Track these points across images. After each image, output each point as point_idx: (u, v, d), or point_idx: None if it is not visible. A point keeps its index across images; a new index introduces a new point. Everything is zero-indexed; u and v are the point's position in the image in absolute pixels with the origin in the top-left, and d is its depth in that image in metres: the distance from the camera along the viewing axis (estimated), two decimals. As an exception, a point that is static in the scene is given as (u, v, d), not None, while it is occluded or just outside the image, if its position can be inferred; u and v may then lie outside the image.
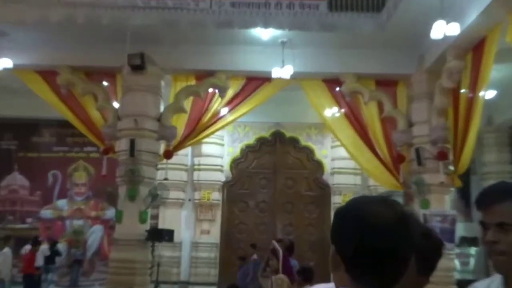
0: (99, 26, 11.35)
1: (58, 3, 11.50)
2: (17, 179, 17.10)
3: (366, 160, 12.44)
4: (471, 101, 10.21)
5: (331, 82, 12.32)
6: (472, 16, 9.18)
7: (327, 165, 16.43)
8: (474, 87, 10.05)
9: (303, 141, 16.59)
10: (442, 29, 9.05)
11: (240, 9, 11.56)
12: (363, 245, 1.12)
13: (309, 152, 16.61)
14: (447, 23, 9.01)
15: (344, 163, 15.61)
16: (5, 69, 11.57)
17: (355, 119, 12.39)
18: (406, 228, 1.14)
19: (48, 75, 12.33)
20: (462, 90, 10.61)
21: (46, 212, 16.91)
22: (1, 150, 17.23)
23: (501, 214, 1.43)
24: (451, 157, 11.41)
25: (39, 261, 12.53)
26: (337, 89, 12.28)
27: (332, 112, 12.48)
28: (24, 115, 15.92)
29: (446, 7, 9.09)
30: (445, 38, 9.28)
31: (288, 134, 16.56)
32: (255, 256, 11.58)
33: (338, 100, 12.38)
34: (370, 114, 12.34)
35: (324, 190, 16.42)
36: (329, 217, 16.12)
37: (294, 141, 16.62)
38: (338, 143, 14.09)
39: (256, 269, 10.85)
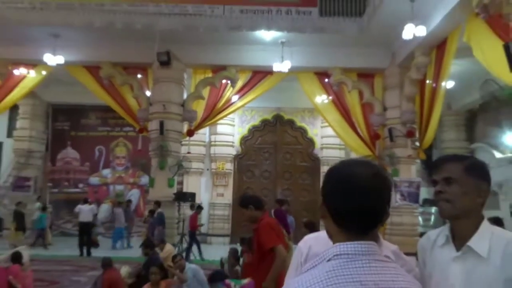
0: (133, 29, 11.26)
1: (101, 10, 11.40)
2: (70, 153, 17.16)
3: (349, 137, 12.39)
4: (435, 90, 10.12)
5: (321, 74, 12.21)
6: (436, 20, 9.04)
7: (318, 141, 16.38)
8: (437, 78, 9.96)
9: (298, 122, 16.51)
10: (412, 31, 8.93)
11: (247, 15, 11.42)
12: (342, 200, 1.11)
13: (303, 131, 16.55)
14: (416, 26, 8.88)
15: (331, 140, 15.56)
16: (58, 65, 11.55)
17: (340, 105, 12.30)
18: (380, 185, 1.12)
19: (93, 69, 12.27)
20: (427, 81, 10.52)
21: (94, 179, 17.03)
22: (57, 130, 17.25)
23: (446, 171, 1.52)
24: (417, 135, 11.36)
25: (89, 217, 12.61)
26: (326, 80, 12.19)
27: (322, 99, 12.38)
28: (75, 101, 15.92)
29: (415, 13, 8.94)
30: (414, 38, 9.15)
31: (286, 116, 16.49)
32: (159, 210, 11.15)
33: (326, 89, 12.28)
34: (353, 100, 12.24)
35: (315, 162, 16.37)
36: (319, 183, 16.13)
37: (291, 122, 16.55)
38: (326, 123, 14.01)
39: (161, 221, 10.68)
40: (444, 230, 1.57)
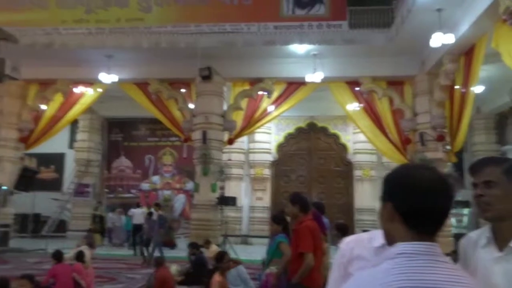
0: (177, 48, 11.56)
1: (148, 32, 11.78)
2: (123, 162, 17.73)
3: (380, 143, 12.13)
4: (464, 95, 9.77)
5: (352, 83, 12.04)
6: (464, 27, 8.74)
7: (350, 147, 16.13)
8: (466, 84, 9.61)
9: (331, 129, 16.32)
10: (440, 39, 8.69)
11: (281, 31, 11.48)
12: (414, 203, 1.07)
13: (336, 137, 16.33)
14: (444, 34, 8.63)
15: (363, 145, 15.24)
16: (112, 83, 11.99)
17: (371, 111, 12.08)
18: (446, 188, 1.08)
19: (142, 85, 12.64)
20: (456, 87, 10.17)
21: (145, 185, 17.47)
22: (112, 141, 17.87)
23: (486, 174, 1.46)
24: (447, 139, 10.98)
25: (141, 220, 12.88)
26: (357, 88, 12.00)
27: (353, 106, 12.20)
28: (127, 115, 16.45)
29: (442, 22, 8.70)
30: (442, 46, 8.91)
31: (320, 124, 16.33)
32: (160, 213, 11.13)
33: (357, 97, 12.09)
34: (383, 107, 12.00)
35: (348, 166, 16.12)
36: (352, 187, 15.89)
37: (324, 130, 16.38)
38: (358, 130, 13.79)
39: (161, 223, 10.68)
40: (485, 231, 1.50)
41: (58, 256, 5.87)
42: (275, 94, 12.28)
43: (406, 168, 1.15)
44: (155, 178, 17.47)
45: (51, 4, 12.50)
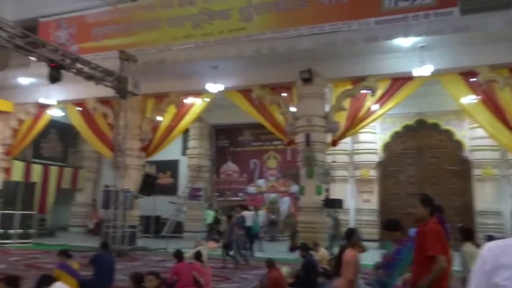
0: (277, 53, 11.74)
1: (249, 40, 12.17)
2: (230, 166, 18.49)
3: (504, 137, 10.83)
4: None
5: (467, 74, 10.98)
6: None
7: (466, 143, 14.66)
8: None
9: (443, 125, 15.01)
10: None
11: (383, 25, 10.96)
12: None
13: (449, 134, 14.98)
14: None
15: (482, 141, 13.72)
16: (219, 92, 12.61)
17: (491, 103, 10.86)
18: None
19: (246, 92, 13.02)
20: None
21: (251, 189, 17.98)
22: (219, 147, 18.78)
23: None
24: None
25: (251, 222, 13.15)
26: (473, 79, 10.89)
27: (469, 99, 11.10)
28: (232, 122, 17.17)
29: None
30: None
31: (430, 120, 15.14)
32: (238, 214, 10.92)
33: (474, 89, 10.98)
34: (506, 98, 10.70)
35: (465, 165, 14.65)
36: (470, 187, 14.41)
37: (435, 126, 15.13)
38: (475, 125, 12.52)
39: (239, 224, 10.48)
40: None
41: (179, 255, 6.32)
42: (379, 92, 11.75)
43: None
44: (261, 182, 17.88)
45: (163, 24, 13.64)
